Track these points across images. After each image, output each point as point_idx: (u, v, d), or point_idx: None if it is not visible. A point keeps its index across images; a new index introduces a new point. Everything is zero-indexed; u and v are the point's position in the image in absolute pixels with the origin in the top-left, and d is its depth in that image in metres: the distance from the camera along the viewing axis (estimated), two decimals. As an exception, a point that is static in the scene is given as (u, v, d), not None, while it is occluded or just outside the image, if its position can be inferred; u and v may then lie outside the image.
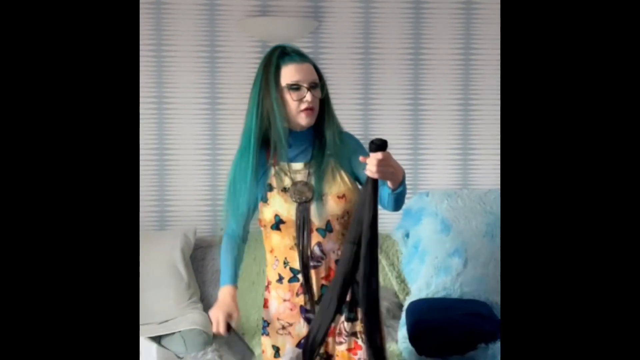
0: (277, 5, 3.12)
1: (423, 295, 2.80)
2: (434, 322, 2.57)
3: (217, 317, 1.83)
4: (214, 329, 1.83)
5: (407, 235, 3.08)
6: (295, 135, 1.84)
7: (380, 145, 1.58)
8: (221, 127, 3.16)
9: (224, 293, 1.87)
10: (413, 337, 2.54)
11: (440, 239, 2.90)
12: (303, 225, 1.80)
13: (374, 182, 1.65)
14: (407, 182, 1.76)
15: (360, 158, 1.65)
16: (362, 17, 3.18)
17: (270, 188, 1.82)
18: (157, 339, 2.63)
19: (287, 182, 1.82)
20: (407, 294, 2.91)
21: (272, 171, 1.83)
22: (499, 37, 3.18)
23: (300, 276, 1.83)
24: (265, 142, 1.83)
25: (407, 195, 3.38)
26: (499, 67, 3.16)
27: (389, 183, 1.68)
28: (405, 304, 2.79)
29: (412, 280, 2.92)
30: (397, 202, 1.77)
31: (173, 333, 2.63)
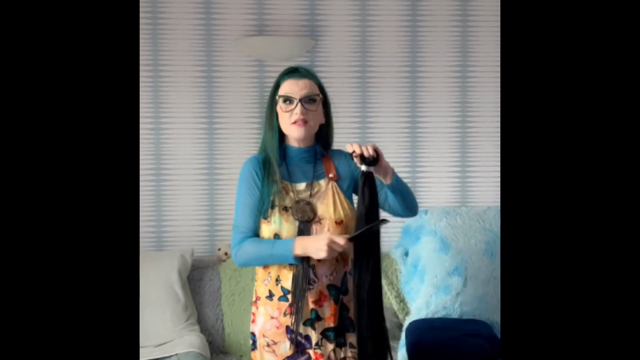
0: (274, 25, 3.13)
1: (423, 314, 2.77)
2: (434, 342, 2.54)
3: (328, 244, 1.73)
4: (340, 244, 1.74)
5: (406, 254, 3.06)
6: (296, 151, 1.87)
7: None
8: (218, 146, 3.15)
9: (301, 241, 1.77)
10: (413, 358, 2.52)
11: (440, 258, 2.88)
12: None
13: (368, 175, 1.77)
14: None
15: (347, 145, 1.79)
16: (359, 36, 3.18)
17: (272, 205, 1.82)
18: (154, 362, 2.60)
19: (288, 201, 1.83)
20: (407, 313, 2.88)
21: (274, 188, 1.83)
22: (496, 53, 3.19)
23: (289, 296, 1.82)
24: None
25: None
26: (496, 84, 3.16)
27: (382, 179, 1.81)
28: (405, 324, 2.77)
29: (412, 300, 2.90)
30: (404, 196, 1.87)
31: (170, 356, 2.60)
